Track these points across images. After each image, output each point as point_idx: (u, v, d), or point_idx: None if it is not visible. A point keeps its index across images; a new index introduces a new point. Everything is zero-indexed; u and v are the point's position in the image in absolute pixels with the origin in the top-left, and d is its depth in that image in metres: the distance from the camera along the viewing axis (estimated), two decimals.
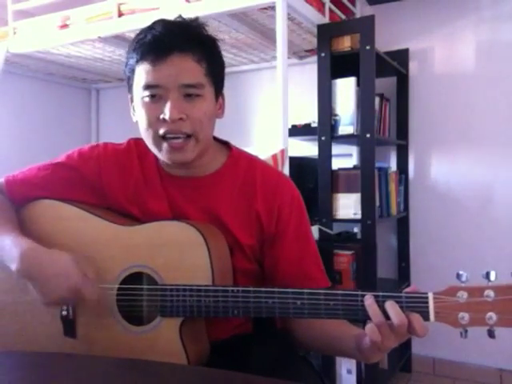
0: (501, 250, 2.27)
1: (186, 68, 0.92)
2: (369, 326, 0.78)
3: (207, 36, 0.97)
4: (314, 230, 1.97)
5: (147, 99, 0.93)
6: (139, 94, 0.94)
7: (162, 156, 0.97)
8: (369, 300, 0.79)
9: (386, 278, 2.48)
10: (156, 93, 0.92)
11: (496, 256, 2.27)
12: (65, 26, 2.29)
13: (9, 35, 2.42)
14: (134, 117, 1.02)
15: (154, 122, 0.93)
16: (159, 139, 0.94)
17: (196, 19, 0.97)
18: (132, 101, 1.00)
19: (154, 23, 0.95)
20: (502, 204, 2.30)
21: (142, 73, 0.92)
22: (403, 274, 2.48)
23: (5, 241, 0.94)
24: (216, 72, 0.97)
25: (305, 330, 0.98)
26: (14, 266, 0.89)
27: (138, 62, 0.93)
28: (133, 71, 0.95)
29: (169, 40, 0.91)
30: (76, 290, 0.88)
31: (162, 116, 0.92)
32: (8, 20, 2.41)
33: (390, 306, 0.77)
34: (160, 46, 0.91)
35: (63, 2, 2.30)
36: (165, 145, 0.94)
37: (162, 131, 0.93)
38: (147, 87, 0.92)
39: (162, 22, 0.95)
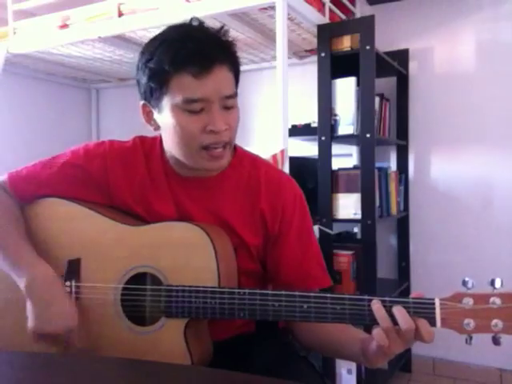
0: (501, 250, 2.28)
1: (226, 79, 0.91)
2: (376, 331, 0.78)
3: (233, 44, 0.96)
4: (314, 230, 1.97)
5: (188, 112, 0.90)
6: (176, 105, 0.90)
7: (198, 164, 0.96)
8: (376, 304, 0.79)
9: (386, 277, 2.48)
10: (199, 106, 0.90)
11: (496, 255, 2.27)
12: (65, 25, 2.28)
13: (9, 35, 2.41)
14: (150, 125, 0.99)
15: (198, 133, 0.91)
16: (200, 150, 0.93)
17: (222, 27, 0.94)
18: (147, 108, 0.97)
19: (186, 31, 0.92)
20: (502, 203, 2.30)
21: (183, 85, 0.88)
22: (403, 274, 2.48)
23: (19, 258, 0.96)
24: (238, 79, 0.98)
25: (308, 332, 0.98)
26: (21, 284, 0.92)
27: (176, 72, 0.88)
28: (165, 82, 0.90)
29: (211, 51, 0.89)
30: (66, 333, 0.91)
31: (209, 128, 0.90)
32: (8, 20, 2.40)
33: (398, 311, 0.78)
34: (204, 58, 0.88)
35: (63, 1, 2.29)
36: (203, 153, 0.93)
37: (207, 142, 0.92)
38: (191, 101, 0.89)
39: (196, 31, 0.92)
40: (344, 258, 2.06)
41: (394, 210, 2.24)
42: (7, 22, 2.41)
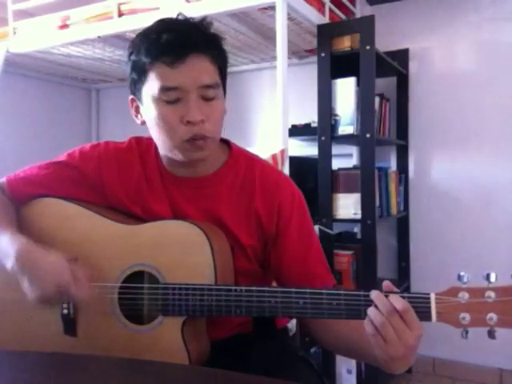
0: (501, 250, 2.27)
1: (204, 69, 0.91)
2: (365, 320, 0.78)
3: (217, 35, 0.97)
4: (315, 230, 1.97)
5: (165, 102, 0.91)
6: (155, 96, 0.91)
7: (178, 156, 0.95)
8: (375, 293, 0.78)
9: (386, 277, 2.46)
10: (175, 95, 0.90)
11: (496, 256, 2.27)
12: (65, 25, 2.29)
13: (9, 35, 2.42)
14: (137, 119, 1.00)
15: (175, 125, 0.91)
16: (182, 143, 0.92)
17: (204, 19, 0.96)
18: (134, 102, 0.99)
19: (165, 23, 0.93)
20: (501, 204, 2.30)
21: (158, 75, 0.90)
22: (403, 273, 2.49)
23: (1, 238, 0.94)
24: (225, 71, 0.98)
25: (325, 333, 0.96)
26: (8, 263, 0.90)
27: (152, 63, 0.90)
28: (143, 72, 0.92)
29: (186, 41, 0.89)
30: (64, 288, 0.87)
31: (185, 118, 0.90)
32: (8, 20, 2.40)
33: (392, 297, 0.77)
34: (178, 48, 0.89)
35: (63, 1, 2.29)
36: (188, 146, 0.93)
37: (187, 135, 0.91)
38: (166, 90, 0.90)
39: (174, 23, 0.93)
40: (344, 258, 2.07)
41: (394, 210, 2.24)
42: (7, 22, 2.41)
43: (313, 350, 2.07)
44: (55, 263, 0.89)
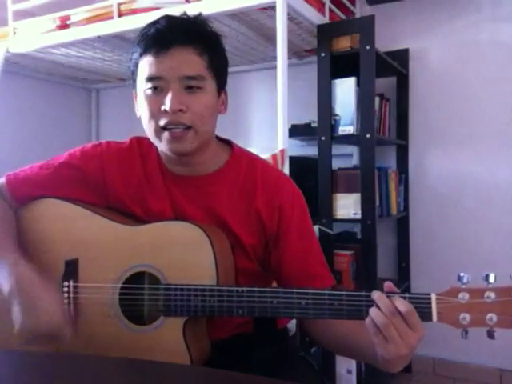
0: (500, 250, 2.27)
1: (187, 60, 0.93)
2: (367, 320, 0.78)
3: (209, 31, 0.99)
4: (314, 230, 1.97)
5: (149, 91, 0.94)
6: (142, 86, 0.95)
7: (162, 147, 0.97)
8: (377, 293, 0.79)
9: (386, 277, 2.48)
10: (158, 85, 0.93)
11: (496, 256, 2.27)
12: (65, 25, 2.29)
13: (9, 35, 2.42)
14: (137, 112, 1.02)
15: (155, 113, 0.94)
16: (160, 130, 0.95)
17: (199, 15, 0.99)
18: (137, 96, 1.00)
19: (159, 18, 0.96)
20: (501, 204, 2.29)
21: (145, 65, 0.93)
22: (403, 273, 2.48)
23: (5, 257, 0.93)
24: (218, 66, 0.98)
25: (324, 333, 0.97)
26: (5, 288, 0.89)
27: (141, 55, 0.94)
28: (136, 65, 0.96)
29: (170, 33, 0.92)
30: (54, 330, 0.87)
31: (163, 107, 0.92)
32: (8, 20, 2.41)
33: (396, 300, 0.78)
34: (162, 39, 0.92)
35: (63, 2, 2.29)
36: (165, 134, 0.94)
37: (162, 122, 0.93)
38: (149, 79, 0.93)
39: (166, 17, 0.96)
40: (344, 257, 2.06)
41: (393, 209, 2.24)
42: (7, 22, 2.42)
43: (313, 350, 2.06)
44: (53, 304, 0.88)
